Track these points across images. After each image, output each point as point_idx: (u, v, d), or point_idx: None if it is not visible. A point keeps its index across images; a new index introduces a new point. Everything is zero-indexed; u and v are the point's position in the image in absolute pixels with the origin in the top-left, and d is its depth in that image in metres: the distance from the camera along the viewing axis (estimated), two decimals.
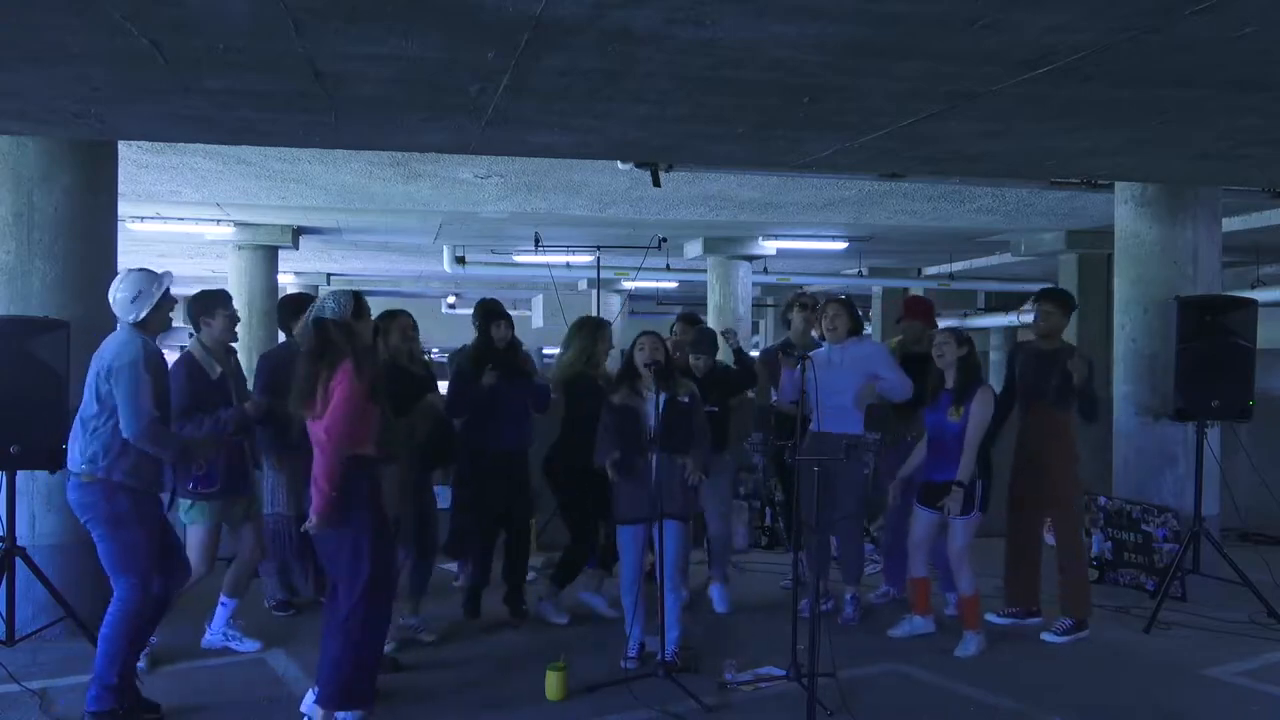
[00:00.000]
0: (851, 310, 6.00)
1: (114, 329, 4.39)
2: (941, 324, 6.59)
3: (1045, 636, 5.66)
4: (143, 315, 4.29)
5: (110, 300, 4.34)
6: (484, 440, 5.65)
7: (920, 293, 18.12)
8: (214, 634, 5.33)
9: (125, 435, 4.18)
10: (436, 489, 5.70)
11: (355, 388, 3.98)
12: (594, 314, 6.59)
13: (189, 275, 16.78)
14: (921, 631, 5.63)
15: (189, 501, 4.99)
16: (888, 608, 6.19)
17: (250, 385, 5.45)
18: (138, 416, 4.15)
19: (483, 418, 5.65)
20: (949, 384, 5.46)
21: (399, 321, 5.34)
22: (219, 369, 5.03)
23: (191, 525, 5.03)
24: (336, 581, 4.17)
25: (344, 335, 4.06)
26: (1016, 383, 6.00)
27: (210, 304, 5.11)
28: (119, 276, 4.40)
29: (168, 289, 4.39)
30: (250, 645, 5.32)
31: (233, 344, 5.24)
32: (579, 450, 5.38)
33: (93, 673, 4.27)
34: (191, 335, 5.18)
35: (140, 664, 4.90)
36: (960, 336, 5.52)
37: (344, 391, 3.97)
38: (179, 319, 5.18)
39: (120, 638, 4.24)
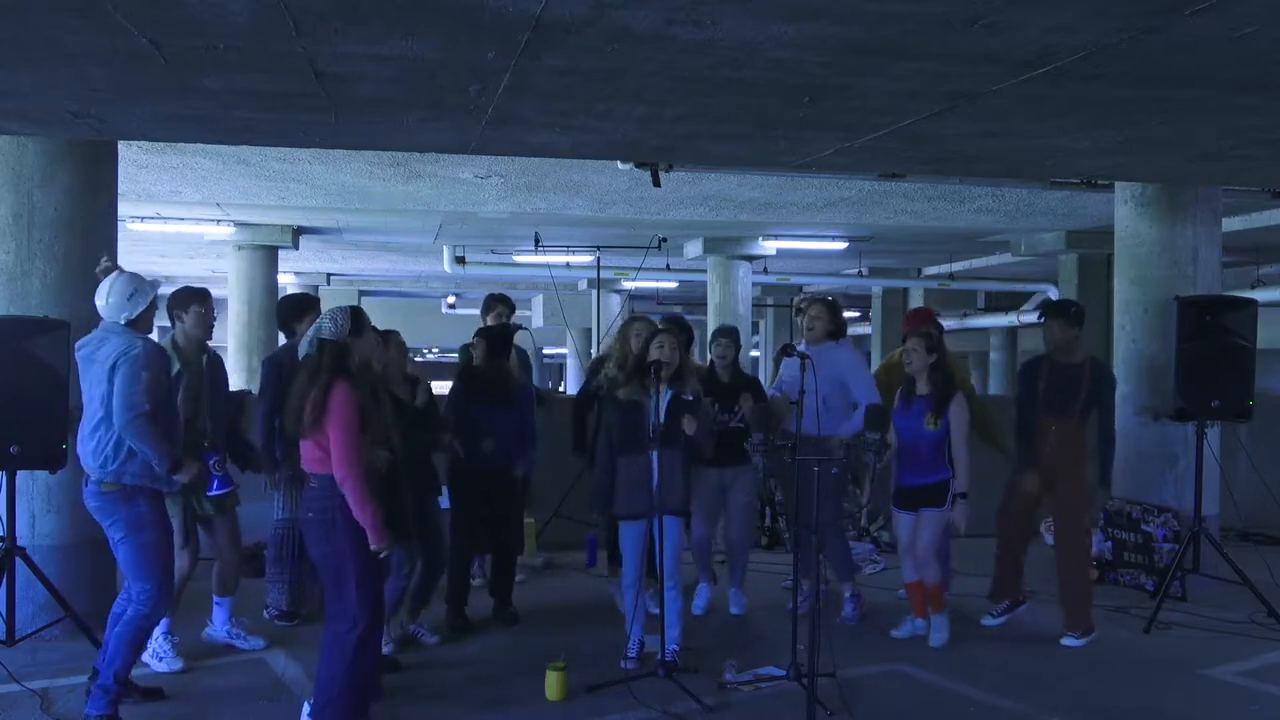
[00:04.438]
0: (833, 313, 5.96)
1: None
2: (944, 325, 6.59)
3: (1066, 641, 5.61)
4: (136, 314, 4.38)
5: (100, 302, 4.38)
6: (469, 461, 5.63)
7: (921, 294, 18.16)
8: (217, 629, 5.33)
9: (115, 426, 4.20)
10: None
11: (351, 408, 3.93)
12: (634, 314, 6.48)
13: (189, 275, 16.76)
14: (923, 633, 5.62)
15: None
16: (887, 607, 6.19)
17: (253, 387, 5.43)
18: (128, 408, 4.19)
19: (469, 439, 5.64)
20: (920, 390, 5.48)
21: (395, 341, 5.30)
22: (178, 366, 4.90)
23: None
24: (328, 600, 4.15)
25: (338, 356, 4.01)
26: (1038, 397, 5.79)
27: (186, 300, 5.01)
28: (108, 281, 4.44)
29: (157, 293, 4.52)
30: (254, 643, 5.31)
31: (208, 341, 5.11)
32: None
33: (96, 675, 4.28)
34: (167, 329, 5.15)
35: (178, 665, 4.94)
36: (930, 344, 5.51)
37: (340, 415, 3.91)
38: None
39: (130, 641, 4.26)
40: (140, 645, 4.36)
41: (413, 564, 5.18)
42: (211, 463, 4.81)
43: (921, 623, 5.65)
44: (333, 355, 4.00)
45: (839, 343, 5.96)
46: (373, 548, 3.96)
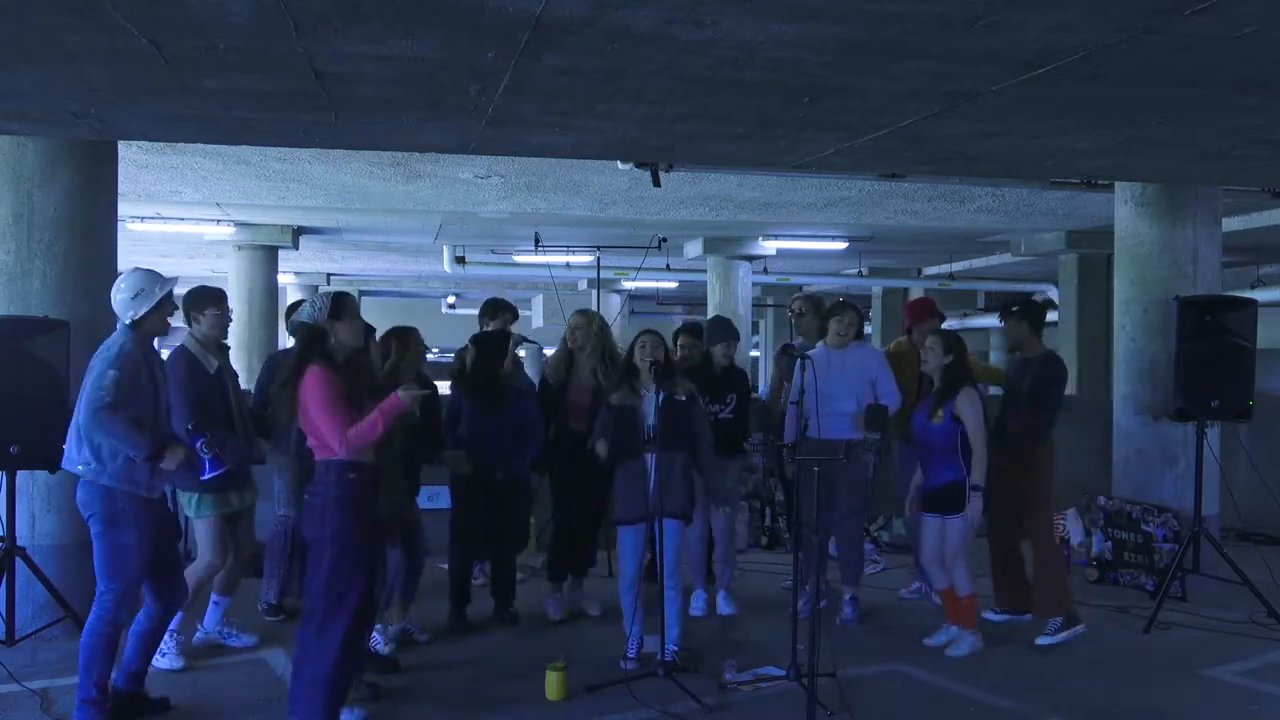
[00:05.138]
0: (859, 315, 6.04)
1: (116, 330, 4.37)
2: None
3: (1040, 640, 5.61)
4: (140, 314, 4.24)
5: (112, 299, 4.32)
6: (473, 459, 5.62)
7: (921, 293, 18.15)
8: (208, 630, 5.33)
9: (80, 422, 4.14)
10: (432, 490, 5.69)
11: (326, 389, 3.90)
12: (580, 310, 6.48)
13: (189, 275, 16.72)
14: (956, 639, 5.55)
15: (193, 496, 4.87)
16: (887, 608, 6.19)
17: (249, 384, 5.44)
18: (89, 403, 4.09)
19: (469, 446, 5.63)
20: (936, 387, 5.47)
21: (415, 340, 5.36)
22: (215, 362, 4.98)
23: (198, 519, 4.97)
24: (307, 590, 4.10)
25: (312, 339, 3.99)
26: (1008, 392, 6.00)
27: (201, 301, 5.04)
28: (122, 275, 4.37)
29: (170, 292, 4.34)
30: (245, 640, 5.34)
31: (225, 342, 5.17)
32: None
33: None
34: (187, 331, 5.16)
35: (179, 664, 4.94)
36: (948, 342, 5.51)
37: (315, 400, 3.89)
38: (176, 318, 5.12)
39: (95, 647, 4.16)
40: (107, 652, 4.19)
41: (384, 561, 5.17)
42: (199, 445, 4.49)
43: (956, 630, 5.53)
44: (306, 338, 3.98)
45: (862, 343, 6.05)
46: (409, 405, 4.00)
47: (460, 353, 5.88)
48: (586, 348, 5.84)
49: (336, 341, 4.03)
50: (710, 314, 14.40)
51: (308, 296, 5.15)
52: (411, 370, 5.30)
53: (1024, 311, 5.93)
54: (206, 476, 4.54)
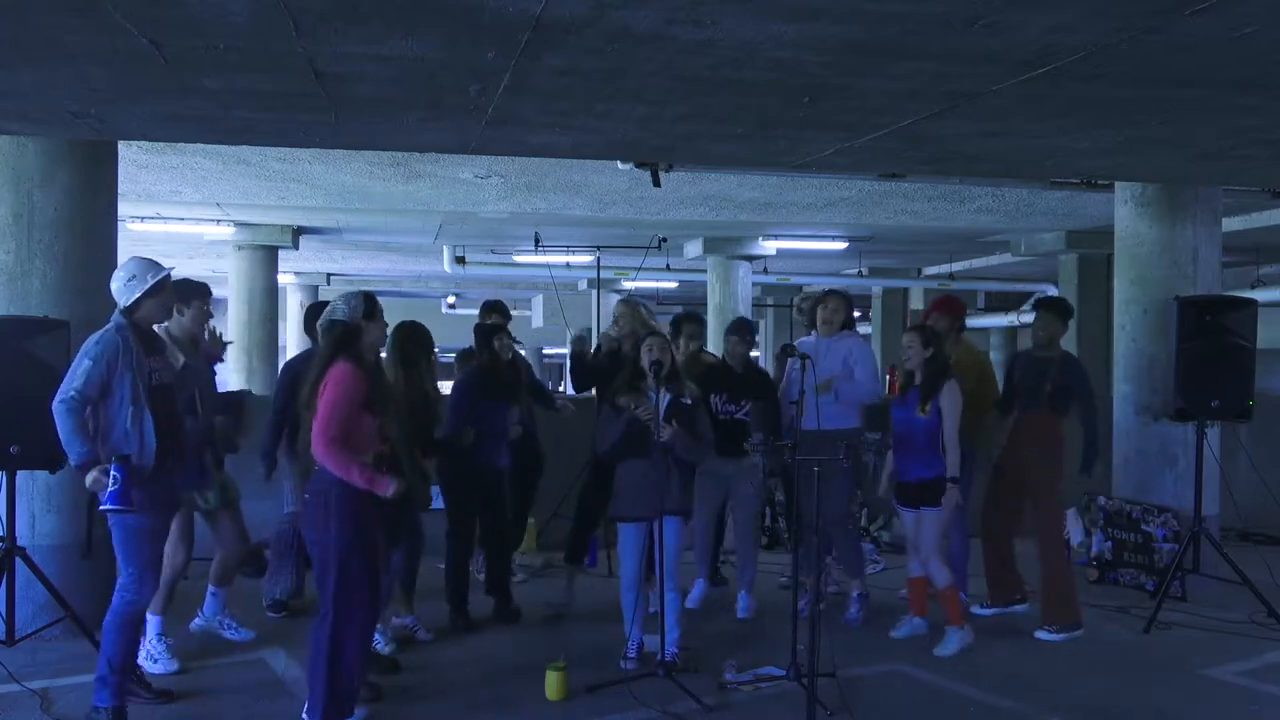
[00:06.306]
0: (849, 306, 6.05)
1: None
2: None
3: (1040, 634, 5.65)
4: (134, 299, 4.21)
5: (110, 289, 4.31)
6: (470, 458, 5.61)
7: (922, 294, 18.14)
8: (208, 618, 5.34)
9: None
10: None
11: (348, 389, 3.93)
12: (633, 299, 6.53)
13: (189, 275, 16.75)
14: (922, 632, 5.61)
15: None
16: (888, 608, 6.18)
17: (254, 387, 5.42)
18: (59, 390, 4.05)
19: (477, 437, 5.61)
20: (918, 382, 5.47)
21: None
22: (181, 359, 4.82)
23: None
24: (318, 589, 4.12)
25: (345, 336, 4.03)
26: (1015, 388, 6.00)
27: (188, 294, 5.02)
28: (121, 264, 4.37)
29: (165, 278, 4.28)
30: (244, 634, 5.35)
31: (202, 338, 5.13)
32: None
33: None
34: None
35: (173, 665, 4.91)
36: (926, 338, 5.51)
37: (332, 392, 3.91)
38: None
39: (110, 629, 4.18)
40: (129, 633, 4.20)
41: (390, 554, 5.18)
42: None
43: (920, 621, 5.63)
44: (339, 335, 4.02)
45: (848, 333, 6.07)
46: (388, 494, 3.94)
47: (494, 345, 5.89)
48: (631, 334, 5.85)
49: (367, 340, 4.09)
50: (710, 314, 14.44)
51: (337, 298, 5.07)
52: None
53: (1063, 310, 6.02)
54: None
